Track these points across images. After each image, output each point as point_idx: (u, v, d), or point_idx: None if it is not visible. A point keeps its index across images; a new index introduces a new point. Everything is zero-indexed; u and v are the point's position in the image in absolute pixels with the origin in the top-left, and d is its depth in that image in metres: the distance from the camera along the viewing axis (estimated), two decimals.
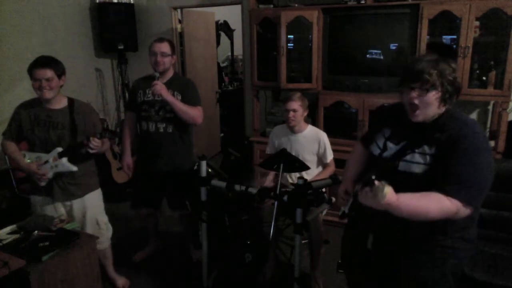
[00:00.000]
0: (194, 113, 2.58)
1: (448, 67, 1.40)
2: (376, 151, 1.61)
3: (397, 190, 1.28)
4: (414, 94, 1.41)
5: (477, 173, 1.34)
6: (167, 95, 2.49)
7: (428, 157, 1.41)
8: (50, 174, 2.21)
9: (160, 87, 2.47)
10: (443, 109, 1.44)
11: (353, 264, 1.88)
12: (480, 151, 1.36)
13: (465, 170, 1.33)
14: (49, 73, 2.11)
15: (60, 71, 2.17)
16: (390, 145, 1.56)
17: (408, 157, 1.45)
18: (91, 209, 2.38)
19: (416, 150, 1.44)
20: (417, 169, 1.42)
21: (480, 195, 1.35)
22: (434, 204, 1.32)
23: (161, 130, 2.63)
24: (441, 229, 1.46)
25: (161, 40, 2.62)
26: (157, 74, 2.56)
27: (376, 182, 1.24)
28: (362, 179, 1.62)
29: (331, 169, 2.66)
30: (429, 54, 1.47)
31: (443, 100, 1.40)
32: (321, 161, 2.68)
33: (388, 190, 1.24)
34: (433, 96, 1.39)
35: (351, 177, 1.75)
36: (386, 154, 1.56)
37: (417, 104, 1.41)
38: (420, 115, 1.43)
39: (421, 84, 1.39)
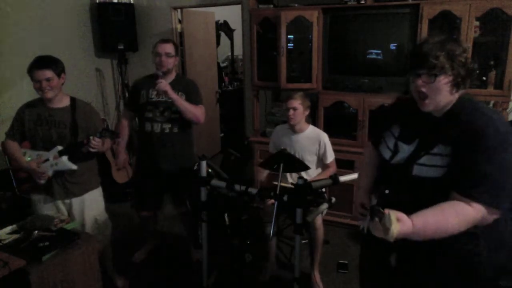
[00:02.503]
0: (197, 112, 2.62)
1: (458, 47, 1.23)
2: (387, 154, 1.44)
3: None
4: (420, 81, 1.24)
5: (502, 171, 1.16)
6: (172, 93, 2.51)
7: (446, 158, 1.23)
8: (50, 172, 2.21)
9: (164, 84, 2.49)
10: (456, 95, 1.27)
11: (375, 283, 1.68)
12: (503, 145, 1.17)
13: (488, 169, 1.16)
14: (48, 73, 2.11)
15: (59, 70, 2.17)
16: (401, 145, 1.39)
17: (423, 160, 1.28)
18: (91, 207, 2.38)
19: (431, 151, 1.26)
20: (435, 173, 1.25)
21: (507, 196, 1.18)
22: (453, 217, 1.16)
23: (167, 130, 2.65)
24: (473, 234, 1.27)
25: (166, 41, 2.66)
26: (160, 73, 2.58)
27: (386, 212, 1.11)
28: (377, 192, 1.48)
29: (331, 170, 2.64)
30: (436, 34, 1.28)
31: (455, 85, 1.23)
32: (321, 162, 2.68)
33: (396, 228, 1.10)
34: (442, 81, 1.22)
35: (366, 186, 1.60)
36: (398, 157, 1.39)
37: (425, 92, 1.24)
38: (431, 104, 1.26)
39: (428, 69, 1.22)
